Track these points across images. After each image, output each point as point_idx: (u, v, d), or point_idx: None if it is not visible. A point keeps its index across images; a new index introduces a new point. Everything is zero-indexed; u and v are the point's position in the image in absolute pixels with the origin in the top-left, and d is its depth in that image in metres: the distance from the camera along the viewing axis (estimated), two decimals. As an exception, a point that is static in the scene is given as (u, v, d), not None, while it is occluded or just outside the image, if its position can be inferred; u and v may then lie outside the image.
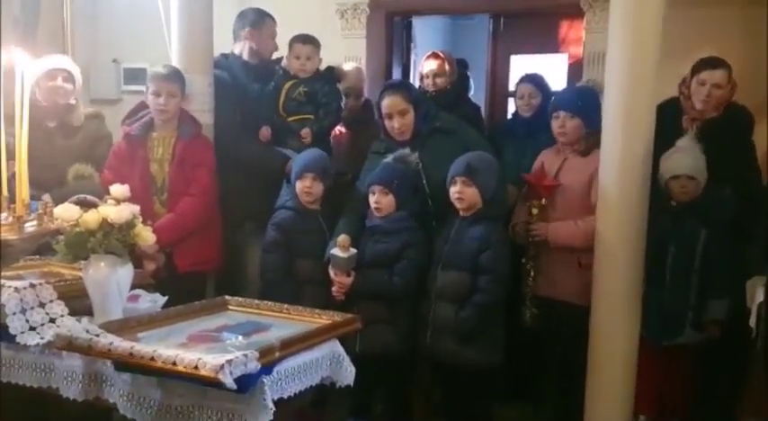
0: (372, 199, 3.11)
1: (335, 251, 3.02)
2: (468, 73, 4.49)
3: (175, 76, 3.37)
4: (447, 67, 4.04)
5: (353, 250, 3.03)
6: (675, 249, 3.07)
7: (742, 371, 3.19)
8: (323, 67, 3.80)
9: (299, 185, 3.23)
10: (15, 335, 2.29)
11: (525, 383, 3.60)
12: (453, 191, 3.01)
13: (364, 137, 3.63)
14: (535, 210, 3.20)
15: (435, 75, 4.03)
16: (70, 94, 3.58)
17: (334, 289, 3.07)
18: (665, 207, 3.06)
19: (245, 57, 3.73)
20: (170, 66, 3.46)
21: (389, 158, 3.16)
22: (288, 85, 3.70)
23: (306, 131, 3.61)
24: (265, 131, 3.66)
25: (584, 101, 3.21)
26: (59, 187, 3.25)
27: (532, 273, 3.22)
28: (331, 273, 3.06)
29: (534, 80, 3.91)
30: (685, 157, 3.07)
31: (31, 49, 4.20)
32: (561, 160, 3.26)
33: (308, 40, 3.72)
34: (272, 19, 3.77)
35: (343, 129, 3.97)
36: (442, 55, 4.10)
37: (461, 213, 3.03)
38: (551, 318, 3.23)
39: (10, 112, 1.84)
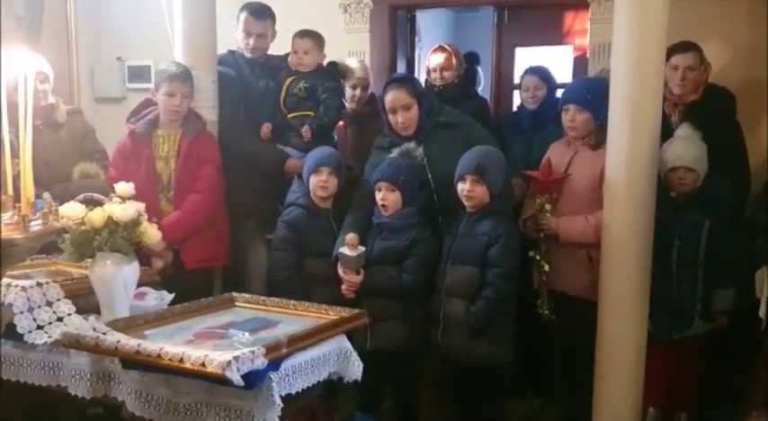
0: (379, 196, 3.09)
1: (344, 250, 3.00)
2: (479, 67, 4.47)
3: (188, 76, 3.37)
4: (454, 60, 4.02)
5: (362, 248, 3.01)
6: (680, 242, 3.06)
7: (751, 363, 3.18)
8: (326, 62, 3.78)
9: (313, 180, 3.21)
10: (23, 334, 2.31)
11: (535, 378, 3.59)
12: (462, 189, 2.99)
13: (371, 131, 3.60)
14: (548, 207, 3.18)
15: (442, 68, 4.01)
16: (48, 94, 3.58)
17: (343, 287, 3.05)
18: (666, 199, 3.04)
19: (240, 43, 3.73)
20: (181, 64, 3.45)
21: (394, 153, 3.14)
22: (289, 80, 3.68)
23: (305, 129, 3.59)
24: (266, 128, 3.64)
25: (593, 94, 3.17)
26: (53, 184, 3.25)
27: (546, 268, 3.20)
28: (340, 271, 3.05)
29: (539, 72, 3.88)
30: (683, 148, 3.06)
31: (35, 48, 4.24)
32: (572, 153, 3.24)
33: (306, 34, 3.68)
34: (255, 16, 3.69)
35: (349, 125, 3.95)
36: (448, 48, 4.07)
37: (468, 209, 3.01)
38: (562, 313, 3.21)
39: (11, 111, 1.83)
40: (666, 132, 3.12)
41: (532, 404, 3.63)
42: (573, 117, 3.20)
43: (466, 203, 3.00)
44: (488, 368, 2.99)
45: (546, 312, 3.22)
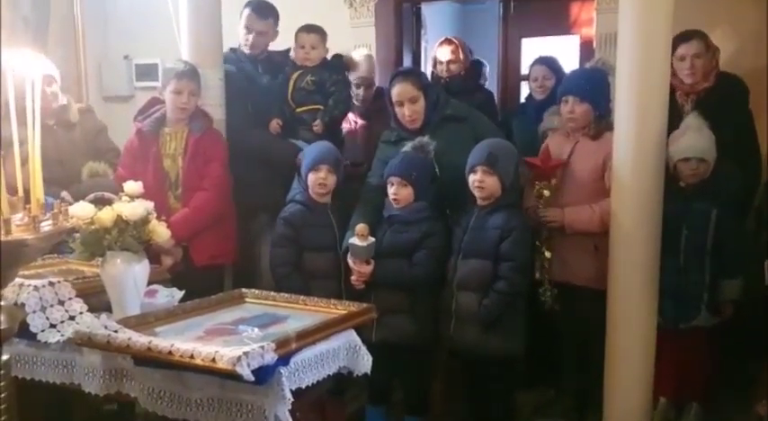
0: (391, 190, 3.09)
1: (354, 240, 3.01)
2: (482, 60, 4.47)
3: (195, 74, 3.40)
4: (460, 53, 4.03)
5: (372, 239, 3.02)
6: (688, 231, 3.05)
7: (760, 352, 3.17)
8: (331, 55, 3.79)
9: (312, 178, 3.21)
10: (36, 333, 2.33)
11: (545, 369, 3.60)
12: (473, 179, 2.98)
13: (380, 125, 3.60)
14: (547, 193, 3.18)
15: (449, 61, 4.02)
16: (57, 95, 3.61)
17: (353, 278, 3.06)
18: (675, 189, 3.03)
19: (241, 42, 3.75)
20: (187, 62, 3.47)
21: (407, 147, 3.13)
22: (296, 75, 3.71)
23: (317, 123, 3.62)
24: (275, 124, 3.67)
25: (592, 85, 3.19)
26: (70, 183, 3.29)
27: (547, 254, 3.20)
28: (350, 262, 3.06)
29: (548, 62, 3.91)
30: (695, 139, 3.05)
31: (43, 48, 4.26)
32: (572, 144, 3.24)
33: (311, 30, 3.73)
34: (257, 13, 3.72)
35: (358, 120, 3.97)
36: (455, 41, 4.09)
37: (480, 202, 3.00)
38: (569, 304, 3.22)
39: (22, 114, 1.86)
40: (679, 122, 3.11)
41: (544, 395, 3.62)
42: (572, 108, 3.20)
43: (477, 195, 2.99)
44: (500, 361, 2.99)
45: (548, 300, 3.21)
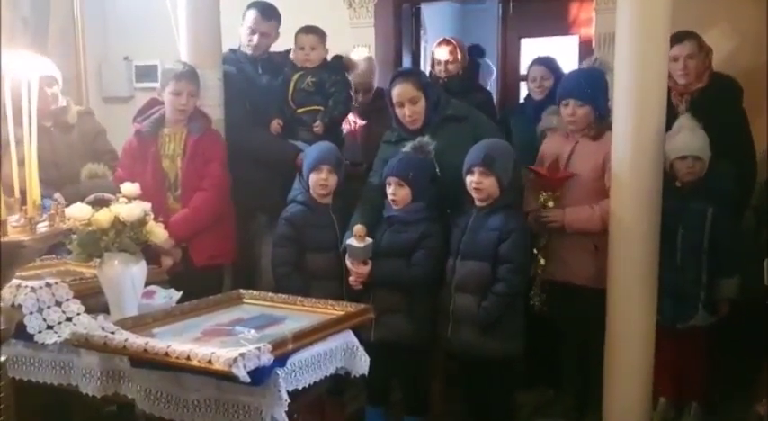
0: (389, 190, 3.09)
1: (351, 241, 3.01)
2: (488, 60, 4.46)
3: (194, 75, 3.40)
4: (458, 53, 4.03)
5: (369, 240, 3.02)
6: (684, 230, 3.05)
7: (760, 351, 3.17)
8: (331, 56, 3.79)
9: (313, 178, 3.21)
10: (33, 335, 2.33)
11: (544, 369, 3.60)
12: (471, 181, 2.97)
13: (380, 125, 3.60)
14: (551, 204, 3.17)
15: (447, 61, 4.02)
16: (57, 97, 3.61)
17: (351, 278, 3.06)
18: (671, 188, 3.03)
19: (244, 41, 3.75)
20: (186, 64, 3.47)
21: (407, 147, 3.12)
22: (296, 76, 3.71)
23: (318, 124, 3.62)
24: (275, 124, 3.67)
25: (592, 87, 3.19)
26: (64, 185, 3.28)
27: (542, 260, 3.20)
28: (348, 262, 3.06)
29: (546, 62, 3.90)
30: (691, 137, 3.06)
31: (42, 50, 4.27)
32: (572, 144, 3.23)
33: (310, 31, 3.72)
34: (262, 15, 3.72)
35: (358, 120, 3.97)
36: (453, 41, 4.09)
37: (478, 203, 2.99)
38: (569, 303, 3.21)
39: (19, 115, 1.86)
40: (673, 122, 3.11)
41: (544, 395, 3.62)
42: (573, 111, 3.19)
43: (475, 196, 2.99)
44: (499, 362, 2.99)
45: (536, 304, 3.21)
